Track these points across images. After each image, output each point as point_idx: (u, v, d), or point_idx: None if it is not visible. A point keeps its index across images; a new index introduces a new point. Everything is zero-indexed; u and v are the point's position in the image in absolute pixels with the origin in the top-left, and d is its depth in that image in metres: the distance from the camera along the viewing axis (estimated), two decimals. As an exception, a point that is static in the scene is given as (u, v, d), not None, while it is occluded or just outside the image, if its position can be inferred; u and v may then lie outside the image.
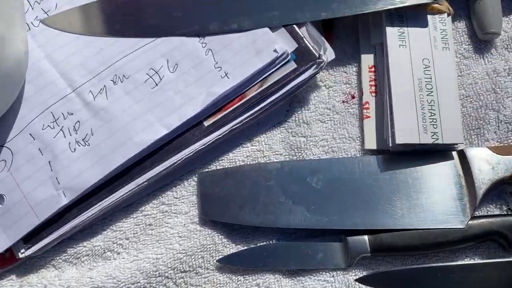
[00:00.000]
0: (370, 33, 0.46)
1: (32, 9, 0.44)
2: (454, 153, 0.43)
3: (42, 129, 0.42)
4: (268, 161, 0.44)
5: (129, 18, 0.44)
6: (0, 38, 0.38)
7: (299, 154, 0.44)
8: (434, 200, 0.41)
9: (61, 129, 0.41)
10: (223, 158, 0.44)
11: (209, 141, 0.42)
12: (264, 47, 0.42)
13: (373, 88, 0.45)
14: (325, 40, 0.44)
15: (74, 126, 0.42)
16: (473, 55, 0.46)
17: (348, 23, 0.47)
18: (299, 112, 0.45)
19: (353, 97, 0.46)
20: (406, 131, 0.42)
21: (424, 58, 0.44)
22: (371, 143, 0.44)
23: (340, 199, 0.42)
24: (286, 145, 0.45)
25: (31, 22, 0.44)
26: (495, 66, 0.46)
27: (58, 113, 0.42)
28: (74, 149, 0.41)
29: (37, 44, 0.43)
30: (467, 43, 0.47)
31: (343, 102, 0.46)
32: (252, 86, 0.42)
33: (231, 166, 0.44)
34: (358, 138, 0.45)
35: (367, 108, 0.45)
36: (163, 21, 0.44)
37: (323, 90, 0.46)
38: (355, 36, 0.47)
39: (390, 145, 0.42)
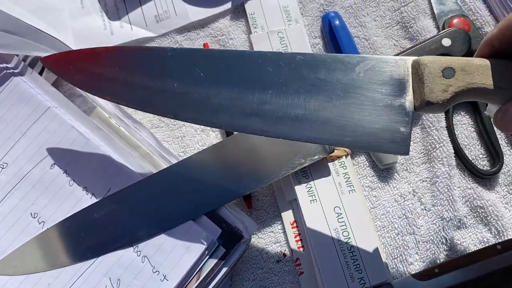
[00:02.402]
0: (284, 192, 0.51)
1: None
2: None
3: None
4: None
5: (66, 245, 0.48)
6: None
7: (249, 324, 0.48)
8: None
9: None
10: None
11: None
12: (192, 241, 0.47)
13: (300, 243, 0.49)
14: (245, 215, 0.48)
15: None
16: (379, 185, 0.51)
17: (263, 185, 0.51)
18: (241, 285, 0.49)
19: (284, 255, 0.50)
20: (335, 284, 0.46)
21: (335, 206, 0.48)
22: (311, 298, 0.48)
23: None
24: (235, 319, 0.49)
25: (-21, 275, 0.48)
26: (400, 191, 0.50)
27: None
28: None
29: (-11, 296, 0.47)
30: (371, 175, 0.51)
31: (277, 262, 0.50)
32: (191, 280, 0.47)
33: None
34: (299, 295, 0.49)
35: (299, 265, 0.49)
36: (98, 240, 0.48)
37: (257, 255, 0.50)
38: (273, 195, 0.51)
39: (326, 301, 0.46)
